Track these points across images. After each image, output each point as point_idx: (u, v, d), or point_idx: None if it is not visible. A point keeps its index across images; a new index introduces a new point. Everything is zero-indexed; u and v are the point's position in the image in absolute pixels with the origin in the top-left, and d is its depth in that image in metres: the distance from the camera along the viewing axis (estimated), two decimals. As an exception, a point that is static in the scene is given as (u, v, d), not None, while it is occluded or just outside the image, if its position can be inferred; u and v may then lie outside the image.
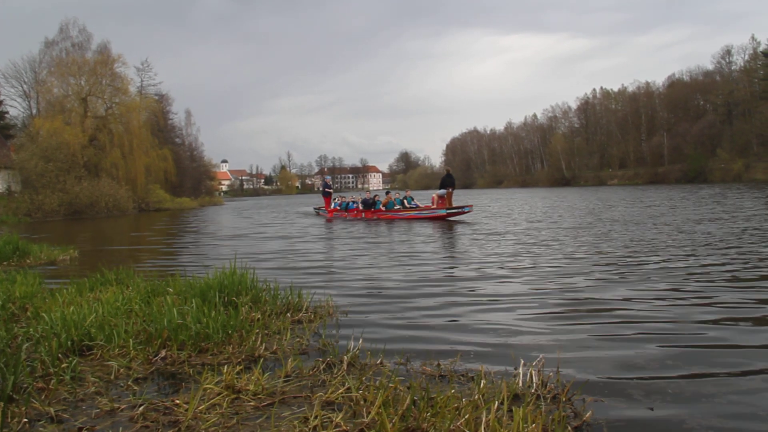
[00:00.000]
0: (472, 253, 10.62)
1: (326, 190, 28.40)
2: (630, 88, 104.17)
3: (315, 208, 30.49)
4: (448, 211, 20.95)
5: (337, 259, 10.68)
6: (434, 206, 21.78)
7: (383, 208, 22.94)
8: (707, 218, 15.93)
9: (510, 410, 2.96)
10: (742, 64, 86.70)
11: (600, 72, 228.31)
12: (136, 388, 3.60)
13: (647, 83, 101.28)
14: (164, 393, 3.52)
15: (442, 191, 21.74)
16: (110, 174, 44.64)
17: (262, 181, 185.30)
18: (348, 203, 25.74)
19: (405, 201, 22.97)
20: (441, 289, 7.05)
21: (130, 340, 4.33)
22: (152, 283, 6.33)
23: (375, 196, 24.59)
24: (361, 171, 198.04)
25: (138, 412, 3.14)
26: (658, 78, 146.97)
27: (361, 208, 24.11)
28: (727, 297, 5.99)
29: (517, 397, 3.31)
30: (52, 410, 3.17)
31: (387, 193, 24.08)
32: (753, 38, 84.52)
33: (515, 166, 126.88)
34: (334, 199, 27.94)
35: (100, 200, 41.54)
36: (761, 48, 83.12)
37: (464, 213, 21.03)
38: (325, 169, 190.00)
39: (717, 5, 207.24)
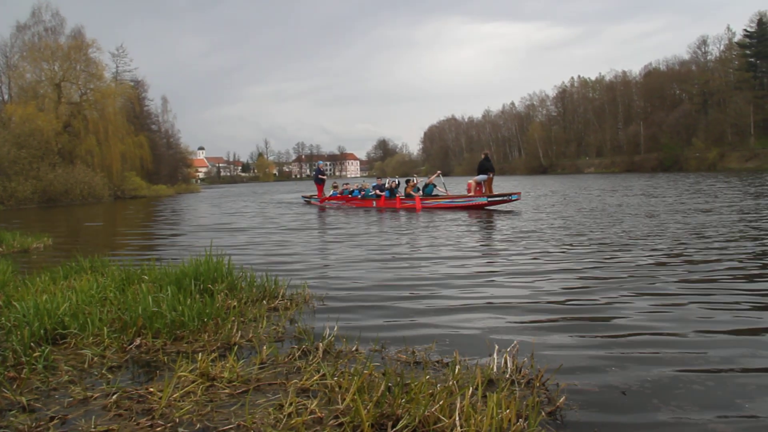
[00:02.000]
0: (457, 243, 10.64)
1: (319, 176, 26.30)
2: (607, 77, 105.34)
3: (305, 197, 27.75)
4: (490, 200, 18.57)
5: (320, 249, 10.65)
6: (471, 194, 19.25)
7: (402, 196, 20.43)
8: (698, 209, 16.14)
9: (484, 396, 2.99)
10: (717, 54, 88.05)
11: (578, 60, 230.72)
12: (110, 376, 3.57)
13: (624, 72, 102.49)
14: (138, 381, 3.50)
15: (482, 177, 19.33)
16: (85, 161, 44.08)
17: (239, 168, 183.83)
18: (353, 191, 23.68)
19: (424, 188, 20.40)
20: (419, 279, 7.05)
21: (105, 328, 4.28)
22: (127, 271, 6.24)
23: (392, 181, 22.12)
24: (339, 158, 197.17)
25: (111, 400, 3.11)
26: (635, 67, 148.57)
27: (373, 194, 21.93)
28: (708, 288, 6.04)
29: (491, 383, 3.34)
30: (24, 399, 3.13)
31: (408, 180, 20.98)
32: (728, 29, 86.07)
33: (493, 154, 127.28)
34: (335, 186, 25.54)
35: (75, 188, 40.96)
36: (736, 38, 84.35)
37: (510, 201, 18.58)
38: (303, 157, 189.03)
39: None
